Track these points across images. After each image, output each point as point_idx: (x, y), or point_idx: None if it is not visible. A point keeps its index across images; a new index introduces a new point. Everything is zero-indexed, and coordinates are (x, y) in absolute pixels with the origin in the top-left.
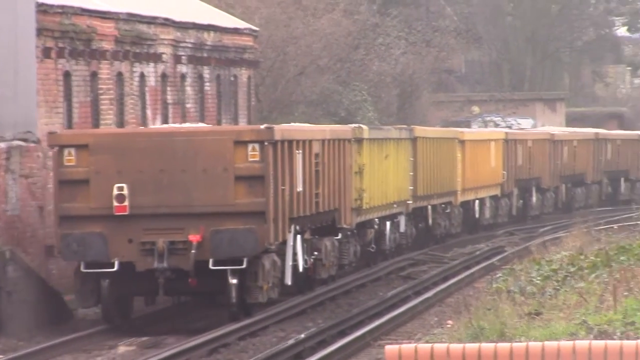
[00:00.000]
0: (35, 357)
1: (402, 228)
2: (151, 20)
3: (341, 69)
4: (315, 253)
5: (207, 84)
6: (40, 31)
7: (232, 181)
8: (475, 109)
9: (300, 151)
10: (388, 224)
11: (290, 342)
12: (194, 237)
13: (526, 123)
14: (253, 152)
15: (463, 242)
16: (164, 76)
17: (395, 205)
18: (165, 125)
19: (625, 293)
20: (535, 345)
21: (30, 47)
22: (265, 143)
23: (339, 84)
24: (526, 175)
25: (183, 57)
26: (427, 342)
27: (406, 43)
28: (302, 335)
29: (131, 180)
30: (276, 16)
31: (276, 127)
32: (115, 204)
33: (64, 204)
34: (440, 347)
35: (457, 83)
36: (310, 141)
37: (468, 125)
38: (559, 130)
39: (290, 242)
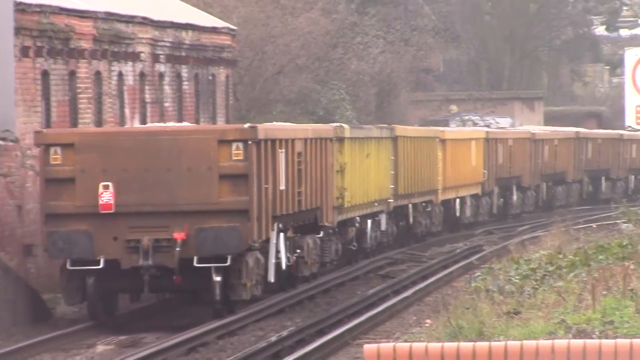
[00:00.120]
0: (13, 356)
1: (383, 226)
2: (129, 19)
3: (319, 68)
4: (298, 251)
5: (185, 83)
6: (19, 30)
7: (217, 180)
8: (454, 108)
9: (283, 150)
10: (369, 222)
11: (273, 339)
12: (179, 235)
13: (504, 122)
14: (237, 151)
15: (444, 240)
16: (142, 75)
17: (376, 204)
18: (149, 125)
19: (604, 292)
20: (513, 344)
21: (8, 46)
22: (249, 142)
23: (317, 83)
24: (507, 174)
25: (161, 56)
26: (405, 341)
27: (384, 42)
28: (285, 333)
29: (116, 178)
30: (254, 15)
31: (260, 126)
32: (101, 202)
33: (50, 202)
34: (418, 346)
35: (436, 82)
36: (293, 140)
37: (446, 124)
38: (540, 129)
39: (273, 240)
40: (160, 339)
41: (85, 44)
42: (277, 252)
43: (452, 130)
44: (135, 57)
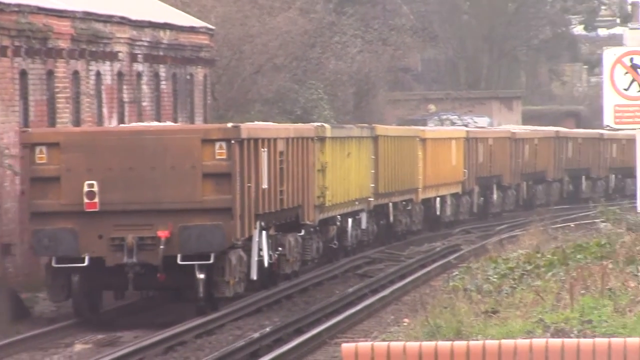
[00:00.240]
0: None
1: (364, 225)
2: (107, 19)
3: (297, 67)
4: (280, 249)
5: (163, 82)
6: None
7: (200, 178)
8: (432, 108)
9: (266, 149)
10: (350, 220)
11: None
12: (163, 233)
13: (482, 121)
14: (220, 150)
15: (423, 239)
16: (120, 75)
17: (357, 203)
18: (134, 124)
19: (582, 291)
20: (492, 343)
21: None
22: (232, 141)
23: (295, 83)
24: (487, 173)
25: (139, 56)
26: (383, 340)
27: (362, 41)
28: (267, 330)
29: (101, 177)
30: (232, 15)
31: (242, 125)
32: (86, 200)
33: (36, 200)
34: (396, 345)
35: (414, 81)
36: (275, 139)
37: (424, 124)
38: (520, 128)
39: (255, 238)
40: (139, 337)
41: (63, 44)
42: (260, 250)
43: (433, 130)
44: (113, 56)
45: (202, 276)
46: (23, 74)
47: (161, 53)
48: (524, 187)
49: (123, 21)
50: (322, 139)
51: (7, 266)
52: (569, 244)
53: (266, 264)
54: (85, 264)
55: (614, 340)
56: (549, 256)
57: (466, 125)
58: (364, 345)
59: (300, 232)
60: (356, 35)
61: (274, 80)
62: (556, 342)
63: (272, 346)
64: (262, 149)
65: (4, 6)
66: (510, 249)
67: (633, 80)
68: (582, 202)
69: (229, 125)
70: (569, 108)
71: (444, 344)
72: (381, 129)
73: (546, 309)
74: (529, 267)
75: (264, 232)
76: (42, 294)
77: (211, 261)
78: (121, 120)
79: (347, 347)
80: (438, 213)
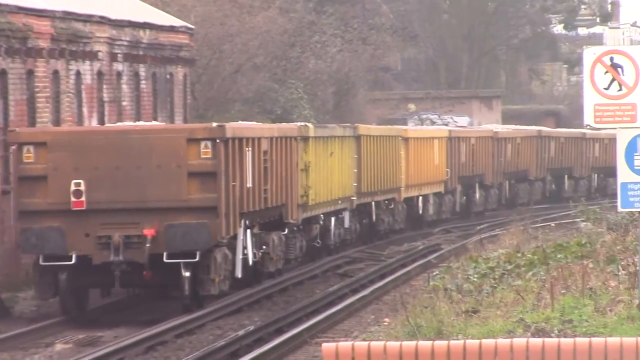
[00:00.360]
0: None
1: (347, 224)
2: (87, 18)
3: (277, 66)
4: (264, 247)
5: (143, 81)
6: None
7: (185, 177)
8: (412, 107)
9: (250, 148)
10: (333, 219)
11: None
12: (149, 232)
13: (462, 121)
14: (205, 150)
15: (405, 238)
16: (100, 74)
17: (339, 202)
18: (120, 124)
19: (563, 291)
20: (472, 343)
21: None
22: (217, 140)
23: (275, 82)
24: (469, 172)
25: (119, 55)
26: (364, 339)
27: (342, 41)
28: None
29: (88, 176)
30: (212, 14)
31: (227, 125)
32: (73, 199)
33: (24, 199)
34: (377, 344)
35: (394, 81)
36: (259, 139)
37: (404, 123)
38: (502, 127)
39: (240, 236)
40: (119, 337)
41: (43, 43)
42: (244, 248)
43: (415, 129)
44: (93, 56)
45: (187, 274)
46: (3, 73)
47: (141, 52)
48: (507, 186)
49: (103, 21)
50: (305, 139)
51: None
52: (550, 244)
53: (251, 262)
54: (73, 262)
55: (594, 339)
56: (529, 256)
57: (446, 125)
58: (345, 344)
59: (283, 230)
60: (336, 34)
61: (253, 79)
62: (537, 341)
63: (252, 346)
64: (247, 148)
65: None
66: (491, 248)
67: (613, 80)
68: (565, 201)
69: (214, 124)
70: (549, 107)
71: (424, 344)
72: (364, 129)
73: (527, 309)
74: (509, 267)
75: (248, 231)
76: (23, 294)
77: (197, 259)
78: (101, 120)
79: (327, 346)
80: (421, 212)
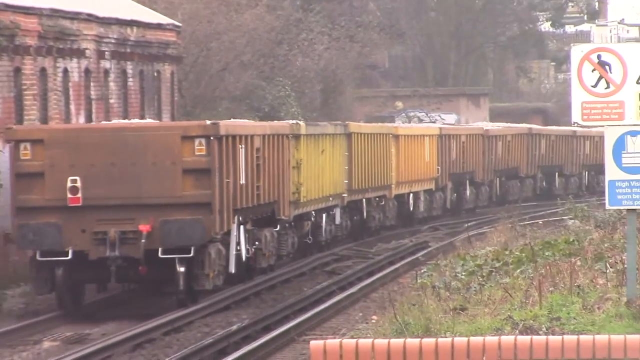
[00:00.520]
0: None
1: (338, 220)
2: (74, 16)
3: (264, 64)
4: (257, 243)
5: (130, 79)
6: None
7: (180, 174)
8: (399, 104)
9: (243, 146)
10: (324, 216)
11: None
12: (144, 227)
13: (450, 118)
14: (200, 147)
15: (393, 235)
16: (87, 72)
17: (331, 199)
18: (115, 121)
19: (551, 288)
20: (460, 340)
21: None
22: (211, 138)
23: (263, 80)
24: (460, 169)
25: (106, 53)
26: (352, 337)
27: (329, 38)
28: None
29: (84, 173)
30: (199, 12)
31: (221, 122)
32: (69, 195)
33: (21, 195)
34: (365, 342)
35: (381, 78)
36: (252, 136)
37: (392, 121)
38: (493, 125)
39: (234, 232)
40: (107, 334)
41: (31, 41)
42: (238, 244)
43: (406, 127)
44: (80, 53)
45: (182, 269)
46: None
47: (128, 50)
48: (497, 183)
49: (90, 18)
50: (297, 137)
51: None
52: (538, 241)
53: (244, 258)
54: (69, 257)
55: (582, 337)
56: (517, 253)
57: (434, 122)
58: (333, 342)
59: (275, 227)
60: (323, 32)
61: (241, 77)
62: (525, 339)
63: (240, 343)
64: (240, 146)
65: None
66: (479, 246)
67: (601, 77)
68: (555, 198)
69: (208, 122)
70: (537, 105)
71: (412, 341)
72: (354, 126)
73: (515, 306)
74: (497, 264)
75: (241, 227)
76: (10, 291)
77: (191, 254)
78: (89, 117)
79: (315, 344)
80: (411, 209)
